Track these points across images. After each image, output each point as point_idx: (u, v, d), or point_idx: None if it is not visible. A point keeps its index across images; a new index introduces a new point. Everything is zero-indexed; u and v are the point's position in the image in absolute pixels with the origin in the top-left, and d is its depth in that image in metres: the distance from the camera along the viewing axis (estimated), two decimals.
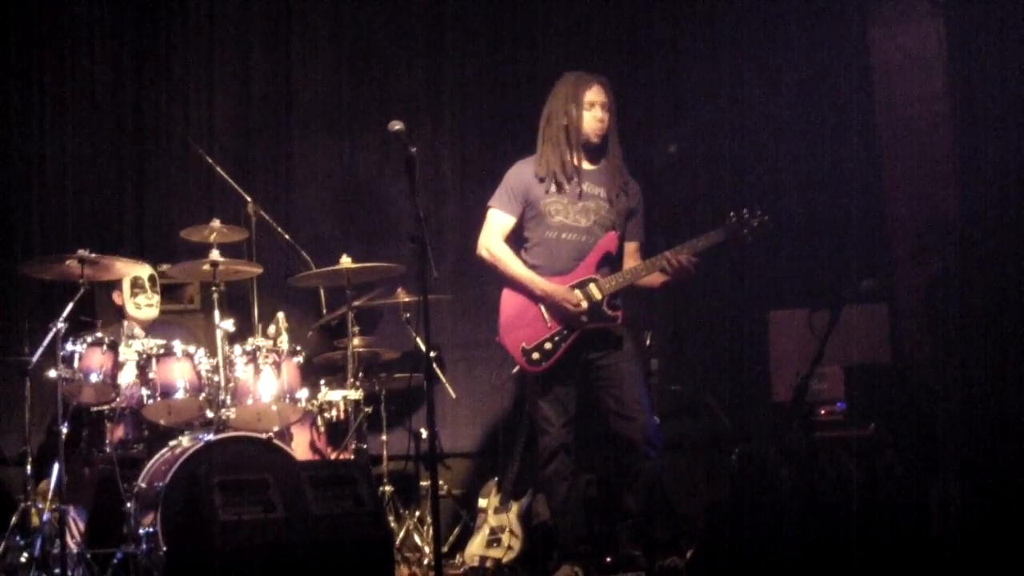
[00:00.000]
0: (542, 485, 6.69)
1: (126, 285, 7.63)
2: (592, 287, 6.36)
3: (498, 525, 7.46)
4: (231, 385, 6.98)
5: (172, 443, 6.85)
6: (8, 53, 8.49)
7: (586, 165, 6.50)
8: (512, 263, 6.45)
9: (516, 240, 6.55)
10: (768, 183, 8.32)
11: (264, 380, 7.05)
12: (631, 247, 6.58)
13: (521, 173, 6.52)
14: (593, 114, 6.43)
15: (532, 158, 6.54)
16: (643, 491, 6.39)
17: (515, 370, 6.54)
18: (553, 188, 6.41)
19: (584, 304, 6.32)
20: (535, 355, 6.36)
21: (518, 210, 6.48)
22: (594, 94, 6.43)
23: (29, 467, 6.71)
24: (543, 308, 6.37)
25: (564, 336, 6.34)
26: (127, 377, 6.95)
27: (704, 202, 8.46)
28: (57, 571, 6.34)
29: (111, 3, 8.66)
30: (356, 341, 7.51)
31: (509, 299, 6.47)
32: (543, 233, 6.45)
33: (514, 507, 7.46)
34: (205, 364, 7.01)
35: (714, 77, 8.63)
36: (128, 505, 6.57)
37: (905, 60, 8.18)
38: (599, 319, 6.36)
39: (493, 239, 6.50)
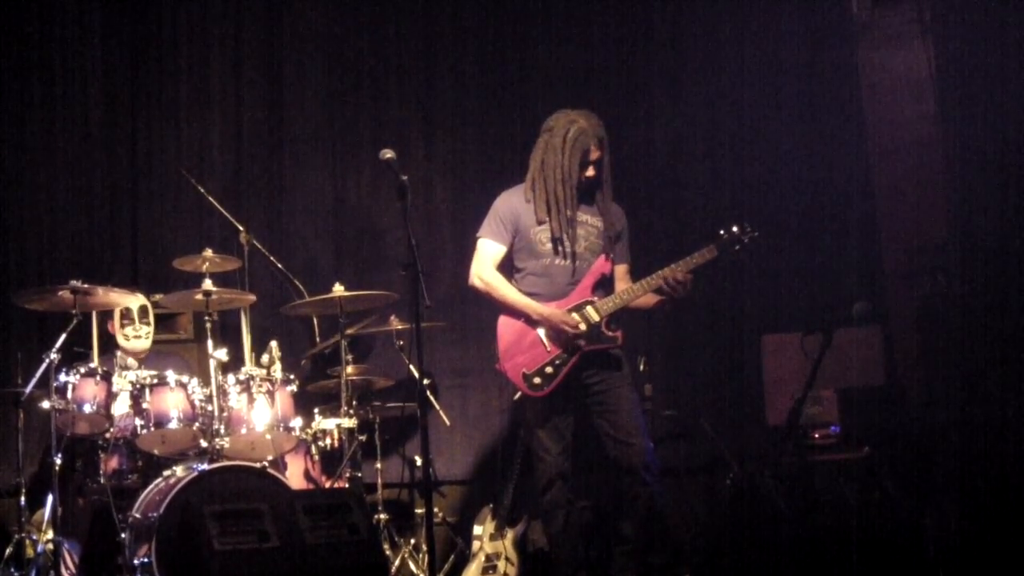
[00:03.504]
0: (539, 513, 6.68)
1: (116, 316, 7.63)
2: (589, 309, 6.37)
3: (493, 552, 7.44)
4: (225, 414, 6.98)
5: (166, 473, 6.84)
6: (1, 82, 8.50)
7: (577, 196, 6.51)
8: (507, 289, 6.46)
9: (507, 270, 6.55)
10: (762, 206, 8.33)
11: (258, 409, 7.05)
12: (620, 270, 6.61)
13: (509, 202, 6.54)
14: (587, 172, 6.45)
15: (519, 187, 6.55)
16: (639, 517, 6.39)
17: (516, 396, 6.52)
18: (544, 218, 6.42)
19: (583, 326, 6.34)
20: (536, 380, 6.35)
21: (508, 239, 6.50)
22: (592, 153, 6.43)
23: (23, 498, 6.68)
24: (541, 332, 6.37)
25: (564, 359, 6.35)
26: (121, 407, 6.94)
27: (700, 221, 8.45)
28: None
29: (104, 33, 8.67)
30: (350, 369, 7.50)
31: (506, 325, 6.47)
32: (535, 261, 6.46)
33: (509, 534, 7.45)
34: (199, 393, 7.01)
35: (709, 100, 8.65)
36: (123, 536, 6.55)
37: (895, 83, 8.22)
38: (599, 340, 6.37)
39: (485, 268, 6.51)
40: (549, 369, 6.35)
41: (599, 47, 8.84)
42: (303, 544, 5.80)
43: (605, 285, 6.50)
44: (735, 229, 6.48)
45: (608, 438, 6.38)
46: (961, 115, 7.60)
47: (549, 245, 6.44)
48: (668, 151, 8.72)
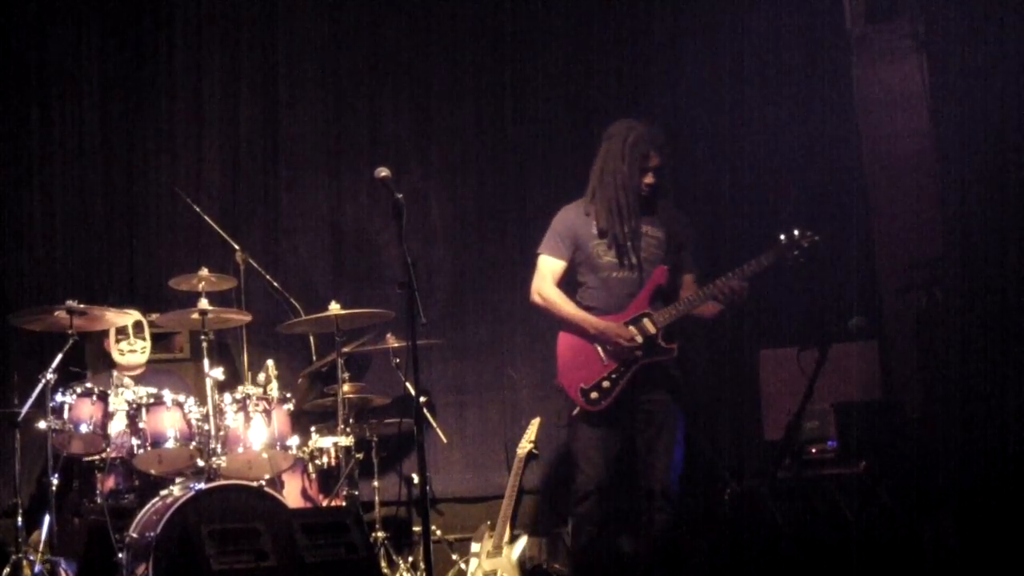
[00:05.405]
0: (571, 523, 6.67)
1: (111, 333, 7.63)
2: (646, 321, 6.35)
3: (491, 569, 7.43)
4: (221, 433, 6.98)
5: (163, 492, 6.83)
6: None
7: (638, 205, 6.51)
8: (564, 305, 6.46)
9: (569, 285, 6.54)
10: (757, 219, 8.33)
11: (254, 428, 7.05)
12: (688, 279, 6.57)
13: (568, 218, 6.55)
14: (647, 179, 6.44)
15: (578, 203, 6.56)
16: (650, 541, 6.39)
17: (575, 411, 6.50)
18: (604, 227, 6.42)
19: (639, 339, 6.32)
20: (593, 394, 6.34)
21: (567, 254, 6.50)
22: (652, 159, 6.43)
23: (20, 518, 6.68)
24: (599, 347, 6.36)
25: (622, 373, 6.33)
26: (117, 427, 6.95)
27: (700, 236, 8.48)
28: None
29: (100, 52, 8.69)
30: (346, 387, 7.50)
31: (565, 341, 6.48)
32: (594, 275, 6.47)
33: (507, 551, 7.44)
34: (195, 413, 7.01)
35: (705, 112, 8.66)
36: (120, 555, 6.54)
37: (889, 97, 8.22)
38: (655, 353, 6.36)
39: (544, 284, 6.52)
40: (606, 383, 6.34)
41: (598, 52, 8.83)
42: (301, 563, 5.79)
43: (664, 296, 6.48)
44: (795, 233, 6.43)
45: (638, 456, 6.39)
46: (955, 130, 7.59)
47: (608, 258, 6.44)
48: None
